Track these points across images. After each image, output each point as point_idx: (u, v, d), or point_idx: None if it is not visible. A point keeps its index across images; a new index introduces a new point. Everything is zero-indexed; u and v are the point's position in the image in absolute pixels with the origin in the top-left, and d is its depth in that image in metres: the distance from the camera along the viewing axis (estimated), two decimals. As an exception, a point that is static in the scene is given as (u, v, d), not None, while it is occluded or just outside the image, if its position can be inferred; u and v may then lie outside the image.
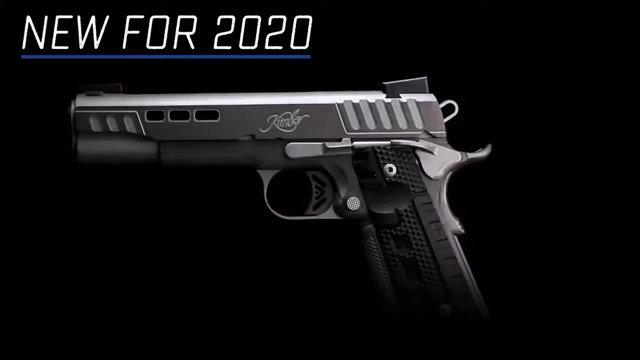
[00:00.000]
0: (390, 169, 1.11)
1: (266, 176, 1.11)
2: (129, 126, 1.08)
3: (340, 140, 1.10)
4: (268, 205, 1.11)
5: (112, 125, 1.08)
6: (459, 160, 1.12)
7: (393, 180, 1.11)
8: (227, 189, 1.21)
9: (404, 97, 1.12)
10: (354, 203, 1.10)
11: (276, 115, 1.10)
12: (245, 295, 1.23)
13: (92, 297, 1.21)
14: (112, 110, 1.08)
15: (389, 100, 1.12)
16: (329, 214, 1.12)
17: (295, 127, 1.10)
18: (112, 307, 1.21)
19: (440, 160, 1.12)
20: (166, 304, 1.22)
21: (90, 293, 1.21)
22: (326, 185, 1.12)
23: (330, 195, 1.12)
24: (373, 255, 1.11)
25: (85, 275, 1.21)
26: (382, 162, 1.11)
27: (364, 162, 1.11)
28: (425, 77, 1.13)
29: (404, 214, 1.11)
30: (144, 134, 1.08)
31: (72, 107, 1.09)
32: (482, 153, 1.13)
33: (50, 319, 1.20)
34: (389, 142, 1.11)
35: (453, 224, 1.12)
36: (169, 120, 1.09)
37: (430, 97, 1.13)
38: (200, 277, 1.23)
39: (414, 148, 1.11)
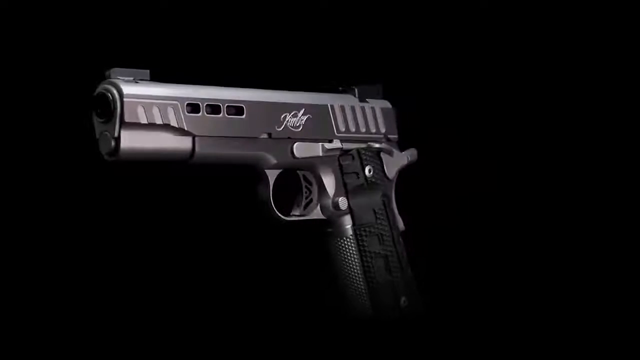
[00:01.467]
0: (370, 170, 1.17)
1: (272, 176, 1.09)
2: (172, 118, 0.97)
3: (331, 141, 1.13)
4: (273, 205, 1.09)
5: (157, 116, 0.95)
6: (406, 162, 1.21)
7: (372, 180, 1.17)
8: (220, 188, 1.18)
9: (370, 102, 1.19)
10: (344, 203, 1.14)
11: (288, 114, 1.09)
12: (241, 297, 1.22)
13: (89, 297, 1.16)
14: (157, 99, 0.96)
15: (361, 104, 1.17)
16: (317, 214, 1.13)
17: (301, 126, 1.10)
18: (110, 307, 1.16)
19: (396, 163, 1.20)
20: (161, 303, 1.19)
21: (87, 292, 1.16)
22: (313, 185, 1.14)
23: (316, 195, 1.14)
24: (348, 253, 1.14)
25: (84, 274, 1.16)
26: (364, 163, 1.16)
27: (350, 163, 1.15)
28: (381, 84, 1.21)
29: (378, 212, 1.17)
30: (185, 127, 0.98)
31: (117, 94, 0.93)
32: (415, 156, 1.22)
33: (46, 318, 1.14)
34: (366, 144, 1.17)
35: (400, 222, 1.20)
36: (205, 114, 1.00)
37: (388, 103, 1.21)
38: (196, 277, 1.20)
39: (380, 150, 1.18)
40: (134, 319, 1.18)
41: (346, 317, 1.15)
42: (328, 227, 1.14)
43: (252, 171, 1.08)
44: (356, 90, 1.18)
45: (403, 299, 1.17)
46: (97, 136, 0.95)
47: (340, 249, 1.15)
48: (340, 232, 1.14)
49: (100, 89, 0.94)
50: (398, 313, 1.16)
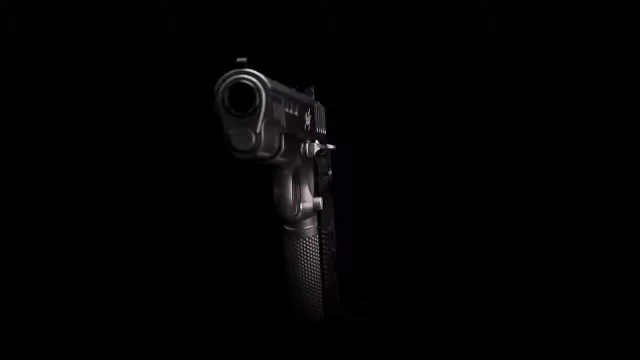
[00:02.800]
0: (331, 171, 1.18)
1: (291, 174, 1.06)
2: (281, 114, 0.90)
3: (313, 141, 1.12)
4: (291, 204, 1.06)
5: (277, 111, 0.88)
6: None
7: (331, 181, 1.18)
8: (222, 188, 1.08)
9: (318, 103, 1.20)
10: (322, 203, 1.13)
11: (306, 113, 1.06)
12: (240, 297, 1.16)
13: (87, 297, 1.11)
14: (277, 94, 0.88)
15: (318, 104, 1.18)
16: (304, 214, 1.11)
17: (309, 126, 1.08)
18: (113, 307, 1.10)
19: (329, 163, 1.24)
20: (160, 302, 1.13)
21: (85, 292, 1.11)
22: (300, 185, 1.12)
23: (301, 196, 1.12)
24: (311, 254, 1.14)
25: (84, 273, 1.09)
26: (330, 163, 1.17)
27: (323, 163, 1.15)
28: (313, 86, 1.22)
29: (333, 211, 1.19)
30: (284, 124, 0.91)
31: (261, 86, 0.84)
32: None
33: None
34: (325, 145, 1.17)
35: None
36: (289, 111, 0.94)
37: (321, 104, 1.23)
38: (194, 275, 1.14)
39: (330, 151, 1.20)
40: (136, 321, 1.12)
41: (298, 319, 1.15)
42: (291, 227, 1.13)
43: (274, 170, 1.04)
44: (313, 89, 1.17)
45: (338, 296, 1.21)
46: (229, 130, 0.84)
47: (301, 249, 1.14)
48: (302, 232, 1.13)
49: (237, 79, 0.84)
50: (341, 311, 1.20)
